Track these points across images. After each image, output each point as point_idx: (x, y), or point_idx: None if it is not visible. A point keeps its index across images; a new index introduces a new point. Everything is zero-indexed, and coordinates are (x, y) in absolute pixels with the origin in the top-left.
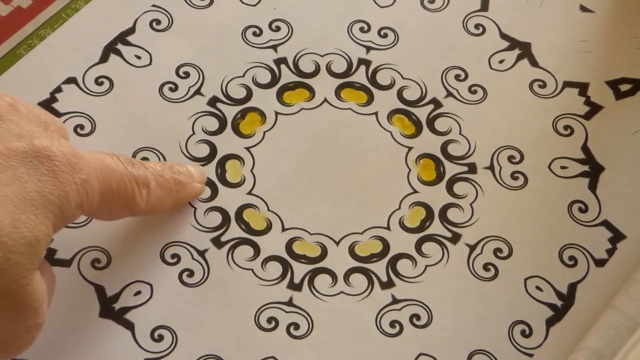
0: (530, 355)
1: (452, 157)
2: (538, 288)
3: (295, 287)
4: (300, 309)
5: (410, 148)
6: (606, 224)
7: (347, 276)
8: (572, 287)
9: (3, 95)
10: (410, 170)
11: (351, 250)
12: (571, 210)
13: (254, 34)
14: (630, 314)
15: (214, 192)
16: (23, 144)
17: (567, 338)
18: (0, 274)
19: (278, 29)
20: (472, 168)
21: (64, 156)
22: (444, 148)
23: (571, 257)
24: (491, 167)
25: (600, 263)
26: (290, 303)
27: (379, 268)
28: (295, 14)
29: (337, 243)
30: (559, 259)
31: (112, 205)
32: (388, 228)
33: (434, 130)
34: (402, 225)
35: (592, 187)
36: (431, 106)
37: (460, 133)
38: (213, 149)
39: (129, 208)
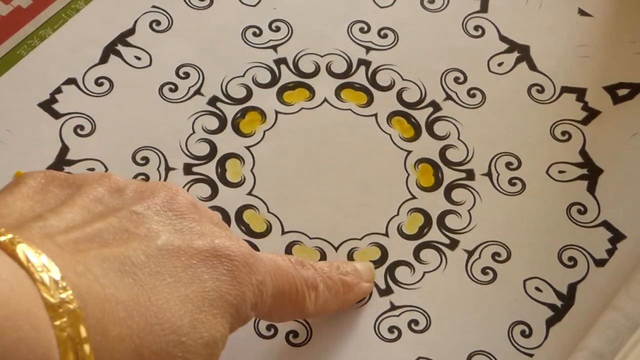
0: (531, 356)
1: (451, 163)
2: (537, 289)
3: None
4: None
5: (409, 152)
6: (606, 224)
7: None
8: (572, 288)
9: (186, 194)
10: (409, 175)
11: (350, 257)
12: (570, 213)
13: (254, 34)
14: (631, 314)
15: (214, 192)
16: (204, 242)
17: (567, 338)
18: None
19: (278, 29)
20: (470, 174)
21: (243, 257)
22: (442, 153)
23: (571, 258)
24: (489, 174)
25: (600, 263)
26: None
27: (378, 275)
28: (295, 14)
29: (336, 249)
30: (559, 260)
31: (282, 308)
32: (386, 235)
33: (433, 134)
34: (400, 232)
35: (591, 189)
36: (430, 109)
37: (458, 138)
38: (213, 148)
39: (298, 311)
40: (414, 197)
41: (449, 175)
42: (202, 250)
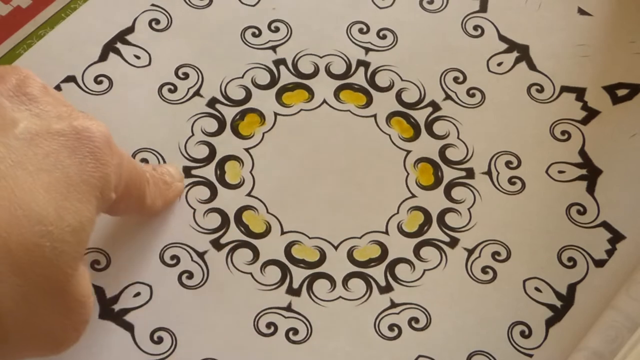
0: (530, 356)
1: (450, 162)
2: (537, 289)
3: (294, 292)
4: (299, 314)
5: (408, 152)
6: (605, 225)
7: (345, 281)
8: (572, 288)
9: (36, 77)
10: (408, 174)
11: (350, 255)
12: (569, 213)
13: (253, 34)
14: (631, 314)
15: (214, 193)
16: (63, 125)
17: (567, 338)
18: (48, 264)
19: (277, 29)
20: (470, 173)
21: (104, 137)
22: (442, 152)
23: (570, 259)
24: (489, 173)
25: (599, 264)
26: (289, 308)
27: (378, 273)
28: (294, 15)
29: (336, 247)
30: (558, 261)
31: (129, 196)
32: (387, 233)
33: (433, 134)
34: (400, 229)
35: (590, 189)
36: (430, 109)
37: (458, 137)
38: (212, 150)
39: (139, 202)
40: (413, 196)
41: (449, 174)
42: (62, 134)
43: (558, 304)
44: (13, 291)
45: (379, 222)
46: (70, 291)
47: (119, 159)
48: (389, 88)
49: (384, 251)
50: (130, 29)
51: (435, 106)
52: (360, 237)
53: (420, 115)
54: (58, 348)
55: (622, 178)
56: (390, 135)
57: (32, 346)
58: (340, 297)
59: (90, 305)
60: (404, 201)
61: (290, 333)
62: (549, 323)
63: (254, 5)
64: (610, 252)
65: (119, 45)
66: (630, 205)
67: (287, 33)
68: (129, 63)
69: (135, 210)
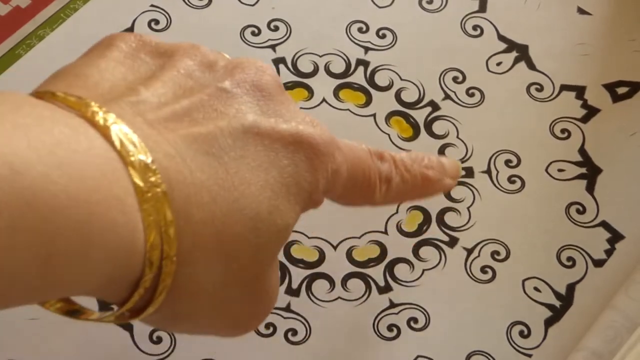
0: (529, 356)
1: None
2: (536, 289)
3: (293, 292)
4: (298, 314)
5: (408, 152)
6: (604, 224)
7: (344, 281)
8: (571, 288)
9: (274, 73)
10: None
11: (349, 255)
12: (569, 212)
13: (253, 33)
14: (630, 314)
15: None
16: (289, 127)
17: (566, 338)
18: (251, 258)
19: (277, 28)
20: (470, 172)
21: (325, 145)
22: (441, 152)
23: (569, 258)
24: (488, 171)
25: (598, 263)
26: (288, 309)
27: (377, 273)
28: (293, 14)
29: (335, 247)
30: (557, 260)
31: (351, 195)
32: (386, 232)
33: (432, 134)
34: (399, 229)
35: (590, 189)
36: (429, 109)
37: (457, 137)
38: None
39: (366, 200)
40: None
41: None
42: (285, 135)
43: (557, 303)
44: (215, 277)
45: (378, 222)
46: (263, 283)
47: (337, 165)
48: (389, 87)
49: (383, 251)
50: (130, 30)
51: (434, 106)
52: (359, 237)
53: (419, 115)
54: (237, 332)
55: (621, 177)
56: (389, 134)
57: (216, 326)
58: (339, 297)
59: (276, 298)
60: None
61: (289, 334)
62: (548, 323)
63: (253, 5)
64: (609, 252)
65: None
66: (630, 205)
67: (287, 32)
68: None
69: (363, 204)
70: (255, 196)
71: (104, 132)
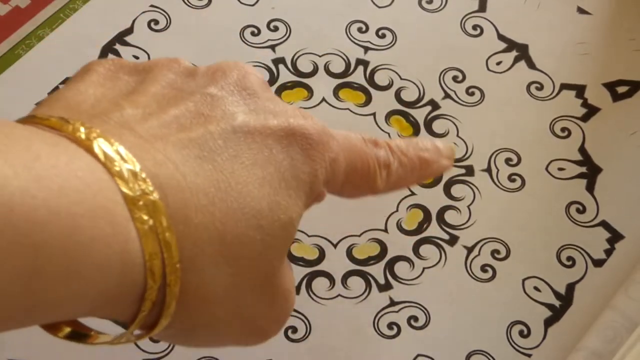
0: (529, 356)
1: None
2: (536, 289)
3: None
4: (299, 312)
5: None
6: (604, 224)
7: (344, 279)
8: (571, 288)
9: (257, 72)
10: None
11: (349, 253)
12: (569, 212)
13: (252, 33)
14: (629, 314)
15: None
16: (279, 121)
17: (566, 338)
18: (258, 256)
19: (276, 28)
20: (470, 170)
21: (318, 135)
22: None
23: (569, 258)
24: (488, 170)
25: (598, 263)
26: None
27: (377, 271)
28: (293, 14)
29: (335, 245)
30: (557, 260)
31: (353, 184)
32: (386, 230)
33: (432, 132)
34: (399, 227)
35: (590, 188)
36: (429, 107)
37: (457, 135)
38: None
39: (369, 188)
40: (413, 194)
41: (448, 172)
42: (277, 130)
43: (557, 303)
44: (225, 280)
45: (378, 220)
46: (276, 284)
47: (334, 154)
48: (388, 87)
49: (383, 249)
50: (129, 30)
51: (434, 105)
52: (359, 235)
53: (419, 114)
54: (259, 338)
55: (621, 177)
56: (389, 133)
57: (235, 334)
58: (339, 295)
59: (293, 299)
60: (403, 199)
61: (289, 331)
62: (548, 323)
63: (253, 5)
64: (609, 252)
65: (117, 46)
66: (629, 205)
67: (286, 32)
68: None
69: (366, 194)
70: (253, 194)
71: (87, 145)
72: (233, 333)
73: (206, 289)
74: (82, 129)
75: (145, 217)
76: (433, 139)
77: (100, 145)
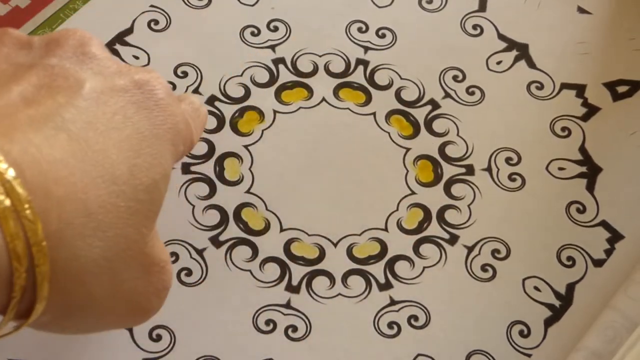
0: (529, 356)
1: (450, 159)
2: (536, 288)
3: (293, 289)
4: (299, 311)
5: (408, 149)
6: (604, 224)
7: (345, 278)
8: (571, 288)
9: (92, 35)
10: (408, 171)
11: (349, 252)
12: (569, 211)
13: (252, 33)
14: (629, 314)
15: (213, 190)
16: (126, 81)
17: (566, 338)
18: (124, 224)
19: (276, 28)
20: (470, 170)
21: (166, 88)
22: (441, 149)
23: (569, 258)
24: (489, 169)
25: (598, 263)
26: (288, 305)
27: (377, 270)
28: (293, 14)
29: (335, 245)
30: (557, 260)
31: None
32: (386, 230)
33: (432, 132)
34: (400, 226)
35: (590, 188)
36: (429, 107)
37: (457, 134)
38: (211, 147)
39: (190, 144)
40: (413, 193)
41: (449, 171)
42: (126, 89)
43: (557, 303)
44: (96, 254)
45: (379, 219)
46: (148, 253)
47: (181, 109)
48: (388, 86)
49: (384, 248)
50: (129, 30)
51: (434, 104)
52: (359, 234)
53: (419, 113)
54: (141, 316)
55: (621, 177)
56: (389, 133)
57: (115, 314)
58: (339, 294)
59: (170, 271)
60: (403, 198)
61: (290, 330)
62: (548, 323)
63: (252, 5)
64: (609, 252)
65: (117, 46)
66: (630, 205)
67: (286, 32)
68: (127, 64)
69: (187, 152)
70: (112, 159)
71: None
72: (112, 313)
73: (78, 265)
74: None
75: (2, 197)
76: (184, 94)
77: None
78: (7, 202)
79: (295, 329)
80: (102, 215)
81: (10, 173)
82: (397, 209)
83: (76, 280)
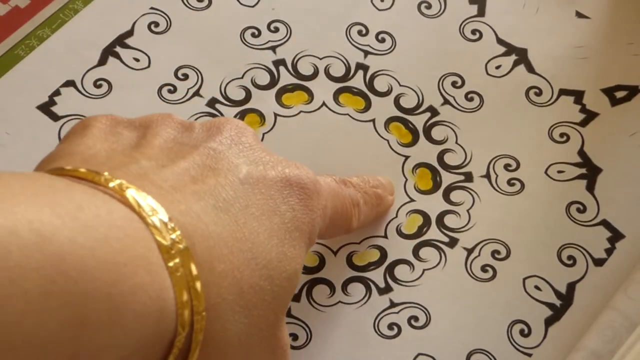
0: (529, 355)
1: (449, 167)
2: (537, 287)
3: (293, 297)
4: (299, 319)
5: (407, 157)
6: (605, 223)
7: (345, 286)
8: (571, 287)
9: (248, 126)
10: (407, 179)
11: (349, 260)
12: (569, 211)
13: (253, 35)
14: (629, 314)
15: None
16: (277, 173)
17: (566, 338)
18: (267, 306)
19: (277, 30)
20: (469, 177)
21: (312, 184)
22: (440, 157)
23: (570, 257)
24: (487, 176)
25: (599, 262)
26: (288, 314)
27: (377, 275)
28: (293, 15)
29: (335, 253)
30: (558, 259)
31: (335, 226)
32: (385, 236)
33: (431, 139)
34: (399, 232)
35: (590, 188)
36: (428, 114)
37: (456, 142)
38: None
39: (345, 228)
40: (412, 200)
41: (448, 179)
42: (276, 181)
43: (557, 302)
44: (240, 330)
45: (378, 227)
46: (278, 337)
47: (325, 201)
48: (388, 93)
49: (383, 255)
50: (130, 33)
51: (433, 111)
52: (359, 243)
53: (418, 121)
54: None
55: (622, 176)
56: (388, 140)
57: None
58: (339, 301)
59: (289, 355)
60: (402, 205)
61: (290, 338)
62: (548, 322)
63: (253, 6)
64: (609, 251)
65: (118, 49)
66: (630, 204)
67: (287, 33)
68: (128, 66)
69: (342, 234)
70: (264, 245)
71: (120, 196)
72: None
73: (225, 338)
74: (114, 180)
75: (178, 266)
76: (375, 177)
77: (133, 196)
78: (181, 270)
79: (296, 337)
80: (251, 295)
81: (185, 244)
82: (397, 216)
83: (220, 350)
